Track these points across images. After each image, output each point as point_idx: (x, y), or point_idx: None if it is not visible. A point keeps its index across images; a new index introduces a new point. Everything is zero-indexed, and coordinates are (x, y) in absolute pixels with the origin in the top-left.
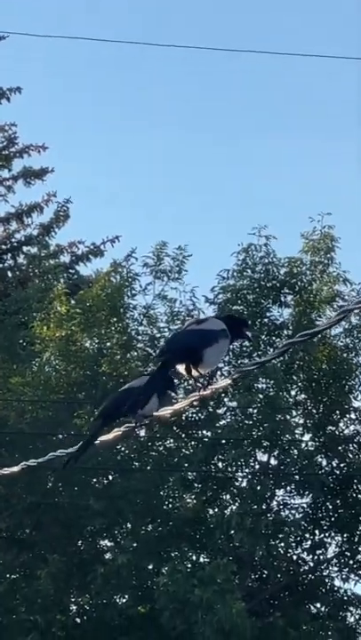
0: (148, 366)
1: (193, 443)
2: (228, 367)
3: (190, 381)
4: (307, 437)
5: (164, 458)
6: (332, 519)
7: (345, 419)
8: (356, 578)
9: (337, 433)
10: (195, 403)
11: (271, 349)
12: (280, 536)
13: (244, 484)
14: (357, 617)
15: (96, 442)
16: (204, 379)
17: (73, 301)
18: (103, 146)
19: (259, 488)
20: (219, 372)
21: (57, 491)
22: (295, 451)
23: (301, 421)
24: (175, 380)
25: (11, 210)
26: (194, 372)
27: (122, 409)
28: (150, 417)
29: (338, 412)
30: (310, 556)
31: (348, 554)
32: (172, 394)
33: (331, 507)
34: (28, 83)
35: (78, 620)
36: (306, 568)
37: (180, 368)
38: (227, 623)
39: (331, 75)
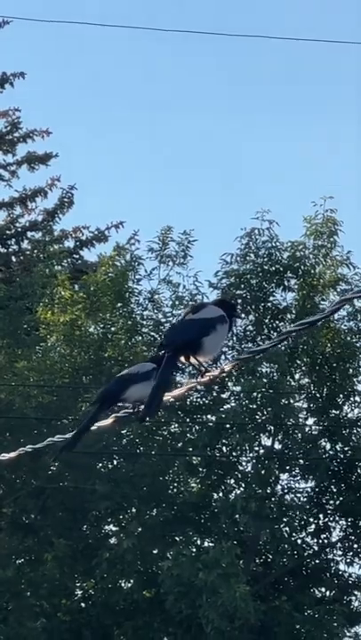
0: (152, 351)
1: (197, 427)
2: (231, 352)
3: (191, 367)
4: (311, 421)
5: (168, 442)
6: (337, 503)
7: (349, 402)
8: None
9: (341, 417)
10: (196, 388)
11: (275, 333)
12: (285, 520)
13: (248, 469)
14: None
15: (92, 427)
16: (204, 366)
17: (77, 286)
18: (107, 131)
19: (263, 472)
20: (223, 357)
21: (62, 475)
22: (299, 435)
23: (305, 405)
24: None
25: (15, 195)
26: (193, 360)
27: (119, 395)
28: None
29: (342, 395)
30: (315, 540)
31: (353, 538)
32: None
33: (335, 490)
34: (31, 68)
35: (83, 604)
36: (310, 552)
37: (181, 357)
38: (231, 607)
39: (332, 58)
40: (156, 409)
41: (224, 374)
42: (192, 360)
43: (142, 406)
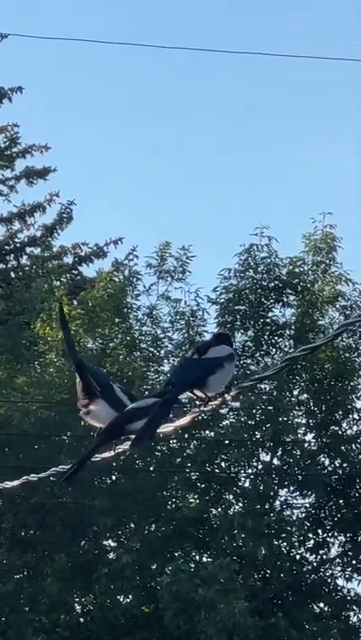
0: (150, 367)
1: (196, 443)
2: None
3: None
4: (309, 437)
5: (167, 458)
6: (335, 519)
7: (348, 419)
8: (360, 577)
9: (340, 433)
10: (197, 418)
11: (273, 349)
12: (283, 536)
13: (247, 484)
14: None
15: (96, 458)
16: (209, 397)
17: (75, 302)
18: (106, 146)
19: (262, 488)
20: None
21: (61, 491)
22: (298, 451)
23: (304, 421)
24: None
25: (13, 210)
26: (199, 393)
27: (124, 428)
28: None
29: (340, 411)
30: (313, 556)
31: (351, 553)
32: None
33: (334, 506)
34: (30, 83)
35: (82, 619)
36: (309, 568)
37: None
38: (230, 623)
39: (330, 75)
40: (149, 438)
41: (226, 401)
42: (197, 392)
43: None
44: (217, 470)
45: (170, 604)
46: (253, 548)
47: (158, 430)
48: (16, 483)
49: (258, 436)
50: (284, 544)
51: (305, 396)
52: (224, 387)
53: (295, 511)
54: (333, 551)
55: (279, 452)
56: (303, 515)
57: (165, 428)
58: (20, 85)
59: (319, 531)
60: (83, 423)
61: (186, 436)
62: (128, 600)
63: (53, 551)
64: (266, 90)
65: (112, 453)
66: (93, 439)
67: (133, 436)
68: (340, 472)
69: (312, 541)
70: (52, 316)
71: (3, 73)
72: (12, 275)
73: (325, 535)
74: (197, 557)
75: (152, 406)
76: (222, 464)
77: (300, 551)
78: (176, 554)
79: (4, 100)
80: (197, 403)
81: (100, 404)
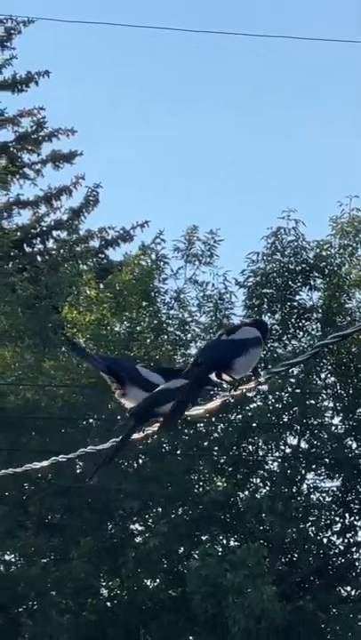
0: (178, 350)
1: (223, 426)
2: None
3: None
4: (336, 420)
5: (194, 441)
6: None
7: None
8: None
9: None
10: (226, 402)
11: (300, 332)
12: (310, 519)
13: (274, 468)
14: None
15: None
16: (236, 380)
17: (102, 286)
18: (132, 130)
19: (289, 471)
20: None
21: (87, 474)
22: (325, 434)
23: (331, 404)
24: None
25: (40, 194)
26: (225, 377)
27: (153, 411)
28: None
29: None
30: (340, 540)
31: None
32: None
33: None
34: (56, 66)
35: (109, 603)
36: (336, 551)
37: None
38: (257, 607)
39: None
40: (177, 420)
41: (256, 386)
42: (224, 377)
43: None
44: (244, 453)
45: (198, 588)
46: (280, 532)
47: (187, 413)
48: (45, 463)
49: (285, 420)
50: (312, 528)
51: (332, 379)
52: (250, 370)
53: (322, 494)
54: None
55: (306, 436)
56: (330, 498)
57: (195, 411)
58: (46, 69)
59: (346, 514)
60: (110, 406)
61: (213, 419)
62: (155, 584)
63: (80, 535)
64: (293, 71)
65: (141, 435)
66: (126, 426)
67: (162, 419)
68: None
69: (339, 525)
70: (79, 300)
71: (30, 57)
72: (39, 258)
73: (353, 519)
74: (224, 541)
75: (181, 388)
76: (250, 447)
77: (327, 535)
78: (203, 537)
79: (30, 84)
80: (225, 386)
81: (132, 389)
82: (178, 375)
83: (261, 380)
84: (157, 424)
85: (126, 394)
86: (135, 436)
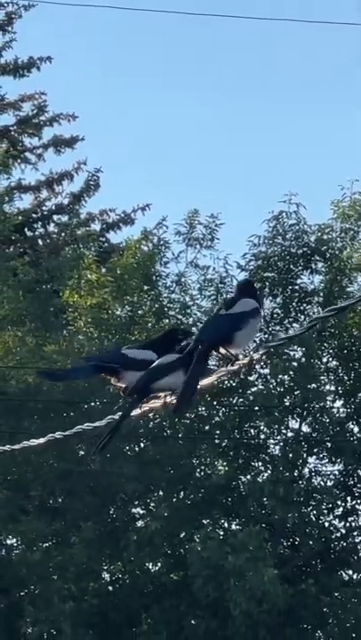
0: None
1: (225, 410)
2: (259, 334)
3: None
4: (338, 404)
5: (195, 425)
6: None
7: None
8: None
9: None
10: (223, 377)
11: (302, 316)
12: (312, 503)
13: (276, 452)
14: None
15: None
16: (234, 355)
17: (104, 269)
18: (133, 114)
19: (291, 455)
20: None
21: (89, 458)
22: (327, 418)
23: (333, 388)
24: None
25: (41, 178)
26: (223, 351)
27: (150, 387)
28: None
29: None
30: (342, 523)
31: None
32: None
33: None
34: (57, 51)
35: (111, 587)
36: (338, 535)
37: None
38: (259, 590)
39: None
40: (191, 401)
41: (253, 362)
42: (222, 351)
43: (172, 396)
44: (246, 437)
45: (199, 571)
46: (282, 516)
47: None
48: (42, 440)
49: (287, 403)
50: (313, 511)
51: (334, 363)
52: (250, 343)
53: (324, 478)
54: None
55: (308, 419)
56: (332, 482)
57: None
58: (48, 55)
59: (348, 498)
60: (110, 389)
61: (215, 402)
62: (156, 568)
63: (81, 519)
64: (294, 56)
65: (139, 411)
66: (123, 404)
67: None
68: None
69: (341, 509)
70: (80, 284)
71: (31, 42)
72: (40, 242)
73: (354, 502)
74: (226, 525)
75: (175, 362)
76: (251, 431)
77: (328, 518)
78: (205, 521)
79: (32, 69)
80: (221, 362)
81: (127, 374)
82: (168, 349)
83: (257, 355)
84: (155, 401)
85: (123, 380)
86: (134, 412)
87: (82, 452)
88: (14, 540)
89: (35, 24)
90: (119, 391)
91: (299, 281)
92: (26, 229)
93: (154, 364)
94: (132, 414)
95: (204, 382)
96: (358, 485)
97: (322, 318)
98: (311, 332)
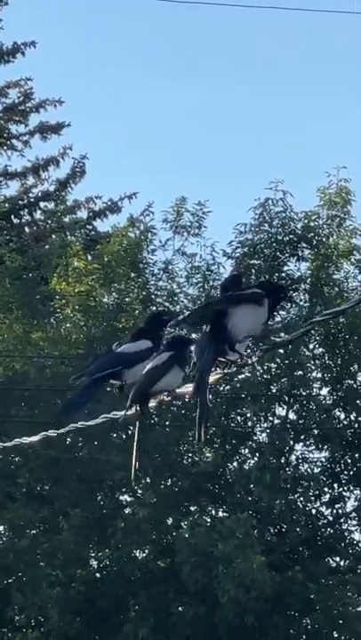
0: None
1: (212, 397)
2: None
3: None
4: (325, 391)
5: (183, 412)
6: (351, 473)
7: None
8: None
9: (355, 386)
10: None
11: (288, 303)
12: (299, 490)
13: (263, 439)
14: None
15: (117, 415)
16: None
17: (90, 257)
18: (120, 100)
19: (278, 442)
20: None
21: (76, 445)
22: (314, 405)
23: (319, 375)
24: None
25: (27, 165)
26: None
27: (149, 393)
28: (173, 391)
29: (356, 365)
30: (329, 510)
31: None
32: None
33: (349, 460)
34: (43, 37)
35: (98, 574)
36: (325, 522)
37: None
38: (247, 577)
39: (347, 30)
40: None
41: (250, 364)
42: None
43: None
44: (233, 424)
45: (187, 558)
46: (269, 503)
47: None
48: (35, 438)
49: (274, 391)
50: (301, 498)
51: (320, 350)
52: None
53: (311, 465)
54: (349, 505)
55: (295, 407)
56: (319, 469)
57: (188, 389)
58: (33, 40)
59: (335, 485)
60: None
61: None
62: (144, 555)
63: (69, 506)
64: (280, 43)
65: (135, 412)
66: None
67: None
68: (356, 426)
69: (328, 496)
70: (67, 271)
71: (16, 28)
72: (27, 230)
73: (341, 489)
74: (213, 512)
75: (169, 361)
76: (238, 418)
77: (315, 505)
78: (192, 508)
79: (17, 54)
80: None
81: (127, 372)
82: (157, 333)
83: (255, 358)
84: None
85: (127, 380)
86: (130, 412)
87: (69, 440)
88: (1, 527)
89: (20, 10)
90: (114, 390)
91: (285, 268)
92: (12, 217)
93: (148, 368)
94: (126, 413)
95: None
96: (345, 472)
97: (320, 321)
98: (298, 319)
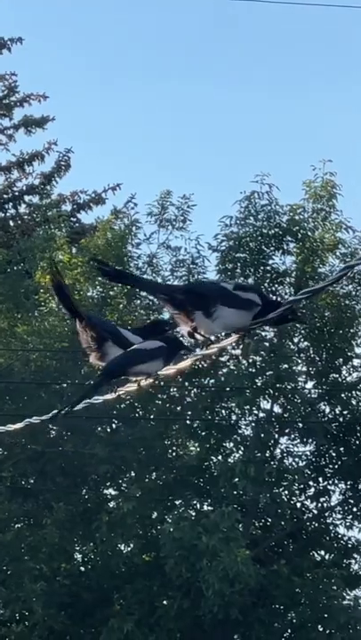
0: (151, 315)
1: (196, 390)
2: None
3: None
4: (310, 385)
5: (167, 406)
6: (336, 466)
7: (348, 366)
8: (360, 525)
9: (340, 380)
10: (199, 360)
11: (274, 297)
12: (284, 484)
13: (247, 432)
14: None
15: (98, 399)
16: (211, 339)
17: (75, 249)
18: (104, 94)
19: (262, 436)
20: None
21: (61, 439)
22: (298, 398)
23: (304, 369)
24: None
25: (12, 159)
26: (197, 336)
27: (126, 369)
28: (154, 375)
29: (341, 359)
30: (314, 504)
31: (352, 501)
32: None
33: (334, 454)
34: (28, 32)
35: (83, 568)
36: (310, 516)
37: (184, 331)
38: (232, 571)
39: (329, 22)
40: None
41: (229, 345)
42: (193, 335)
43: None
44: (217, 418)
45: (172, 551)
46: (254, 497)
47: (160, 372)
48: (18, 426)
49: (259, 384)
50: (285, 492)
51: (305, 343)
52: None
53: (296, 459)
54: (334, 499)
55: (280, 400)
56: (304, 462)
57: (166, 371)
58: (19, 36)
59: (320, 478)
60: (82, 372)
61: (186, 383)
62: (129, 548)
63: (53, 500)
64: (266, 36)
65: (114, 395)
66: (95, 378)
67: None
68: (341, 420)
69: (313, 489)
70: (52, 265)
71: (1, 23)
72: (11, 223)
73: (326, 483)
74: (198, 506)
75: (158, 350)
76: (223, 411)
77: (300, 499)
78: (177, 502)
79: (3, 49)
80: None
81: (113, 348)
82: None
83: (232, 340)
84: (130, 385)
85: (106, 354)
86: (108, 396)
87: (53, 433)
88: None
89: (5, 5)
90: (95, 366)
91: (271, 262)
92: None
93: (135, 346)
94: (101, 394)
95: (179, 366)
96: (330, 466)
97: (298, 300)
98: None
